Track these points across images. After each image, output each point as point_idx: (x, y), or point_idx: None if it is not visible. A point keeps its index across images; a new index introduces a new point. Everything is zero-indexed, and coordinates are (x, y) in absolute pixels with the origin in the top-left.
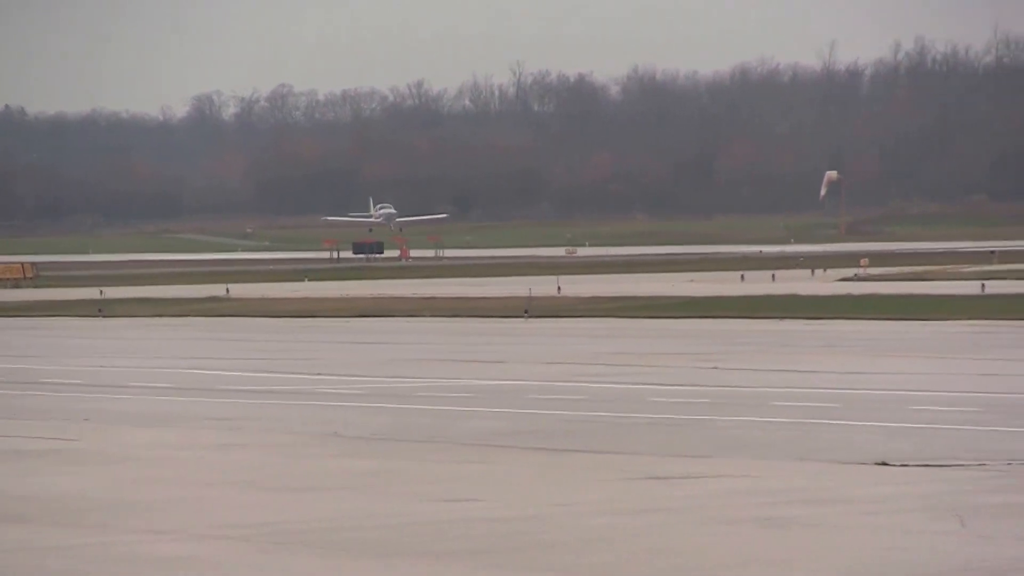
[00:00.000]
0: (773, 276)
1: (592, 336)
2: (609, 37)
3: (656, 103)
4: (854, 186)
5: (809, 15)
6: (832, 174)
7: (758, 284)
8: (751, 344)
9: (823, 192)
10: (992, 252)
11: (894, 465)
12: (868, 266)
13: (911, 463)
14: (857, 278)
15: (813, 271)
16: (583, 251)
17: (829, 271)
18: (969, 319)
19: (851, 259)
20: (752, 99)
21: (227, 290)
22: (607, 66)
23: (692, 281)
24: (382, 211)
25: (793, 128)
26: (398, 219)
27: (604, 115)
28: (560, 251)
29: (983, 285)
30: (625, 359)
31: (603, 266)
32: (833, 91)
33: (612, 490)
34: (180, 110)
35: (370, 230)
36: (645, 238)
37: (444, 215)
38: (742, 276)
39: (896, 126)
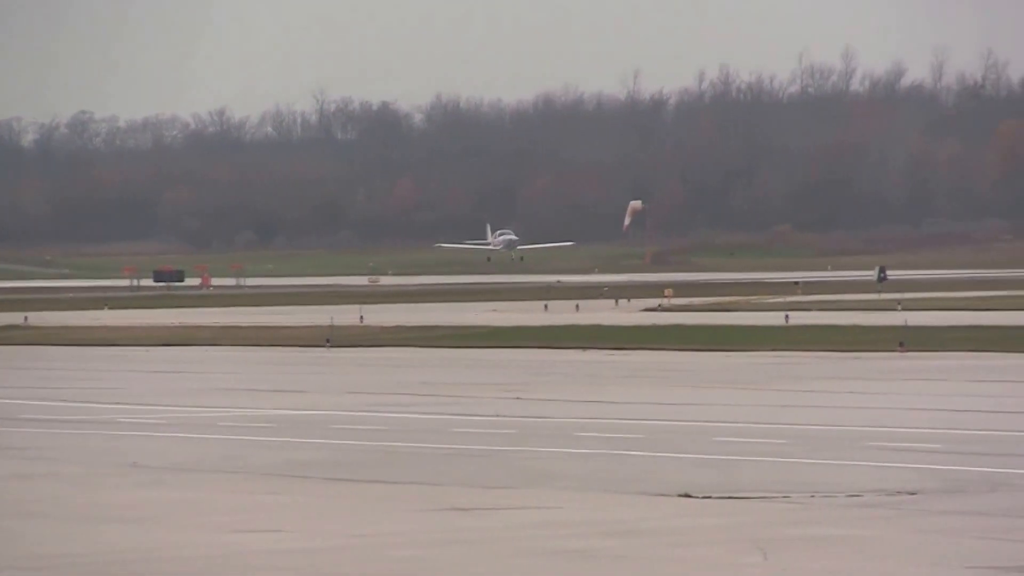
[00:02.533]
0: (577, 306)
1: (395, 366)
2: (413, 64)
3: (460, 131)
4: (659, 216)
5: (613, 44)
6: (636, 204)
7: (562, 314)
8: (555, 375)
9: (627, 222)
10: (796, 283)
11: (697, 497)
12: (672, 296)
13: (714, 495)
14: (661, 308)
15: (617, 301)
16: (386, 280)
17: (633, 301)
18: (773, 350)
19: (656, 289)
20: (556, 128)
21: (25, 318)
22: (411, 94)
23: (495, 310)
24: (502, 237)
25: (597, 157)
26: (520, 246)
27: (408, 143)
28: (363, 280)
29: (787, 316)
30: (428, 389)
31: (406, 295)
32: (637, 120)
33: (415, 522)
34: None
35: (488, 259)
36: (449, 267)
37: (571, 243)
38: (545, 306)
39: (701, 155)
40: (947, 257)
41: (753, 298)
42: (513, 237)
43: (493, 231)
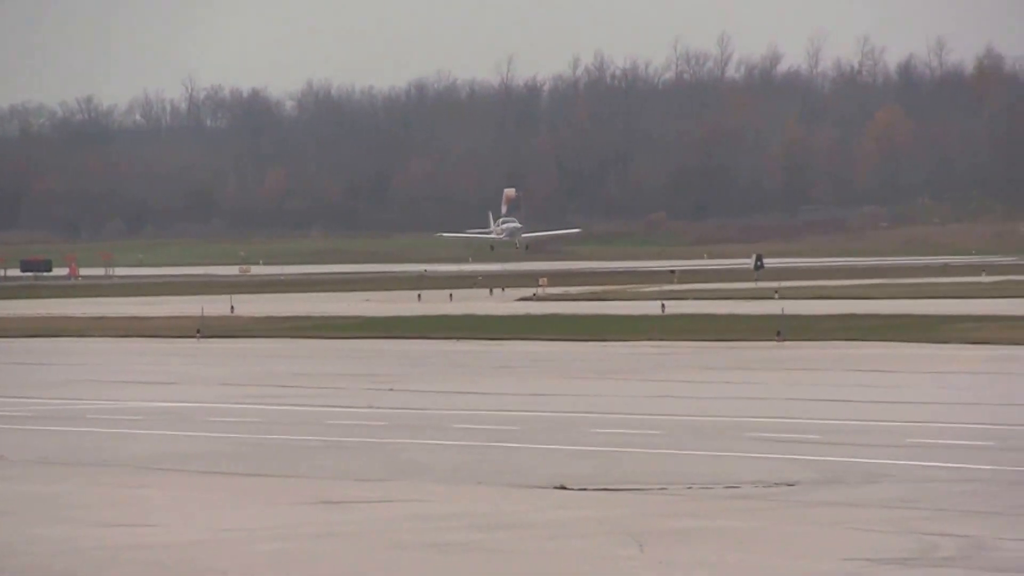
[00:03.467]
0: (451, 296)
1: (267, 357)
2: (284, 51)
3: (332, 119)
4: (534, 204)
5: (487, 30)
6: (511, 192)
7: (436, 304)
8: (428, 365)
9: (503, 210)
10: (672, 271)
11: (573, 489)
12: (547, 285)
13: (590, 487)
14: (536, 298)
15: (492, 291)
16: (257, 270)
17: (508, 290)
18: (649, 340)
19: (531, 278)
20: (430, 115)
21: None
22: (282, 81)
23: (368, 301)
24: (506, 226)
25: (472, 145)
26: (524, 234)
27: (279, 131)
28: (234, 269)
29: (663, 305)
30: (300, 380)
31: (278, 285)
32: (512, 107)
33: (285, 515)
34: None
35: (492, 248)
36: (322, 256)
37: (577, 230)
38: (419, 296)
39: (576, 143)
40: (824, 245)
41: (629, 287)
42: (517, 225)
43: (495, 219)
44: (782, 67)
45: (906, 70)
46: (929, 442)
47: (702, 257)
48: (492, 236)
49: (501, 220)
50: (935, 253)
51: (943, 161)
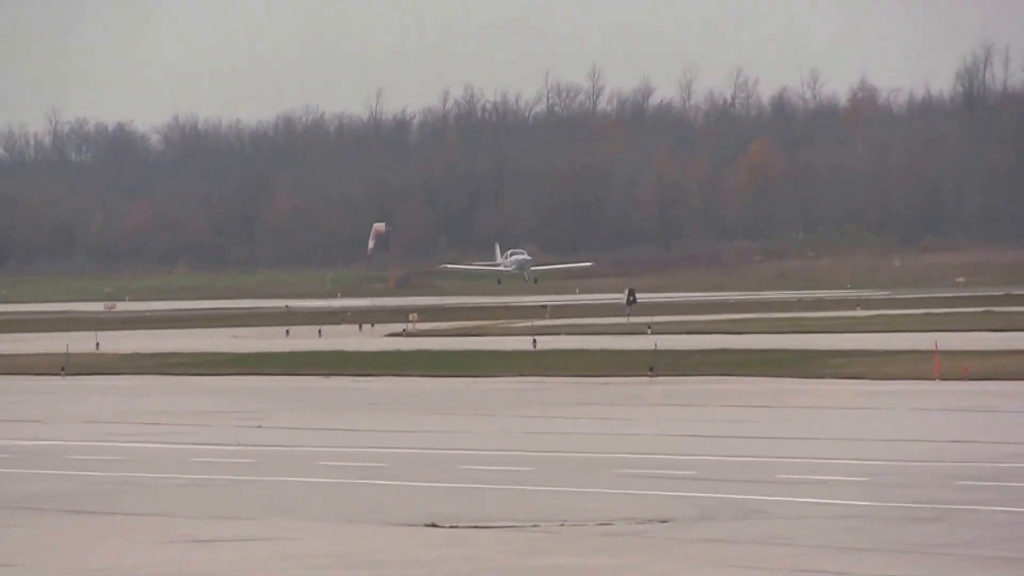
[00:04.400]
0: (320, 332)
1: (133, 394)
2: (150, 84)
3: (198, 153)
4: (403, 239)
5: (355, 63)
6: (380, 226)
7: (305, 340)
8: (298, 402)
9: (371, 245)
10: (544, 306)
11: (444, 527)
12: (418, 321)
13: (461, 524)
14: (406, 333)
15: (361, 326)
16: (123, 306)
17: (378, 326)
18: (521, 375)
19: (400, 314)
20: (298, 149)
21: None
22: (148, 115)
23: (236, 337)
24: (514, 257)
25: (341, 179)
26: (533, 267)
27: (145, 165)
28: (99, 305)
29: (535, 340)
30: (167, 417)
31: (144, 321)
32: (381, 141)
33: (152, 554)
34: None
35: (499, 282)
36: (188, 292)
37: (589, 263)
38: (287, 331)
39: (446, 177)
40: (697, 279)
41: (500, 322)
42: (526, 257)
43: (503, 251)
44: (654, 100)
45: (779, 102)
46: (803, 478)
47: (574, 292)
48: (499, 269)
49: (509, 252)
50: (808, 287)
51: (816, 194)
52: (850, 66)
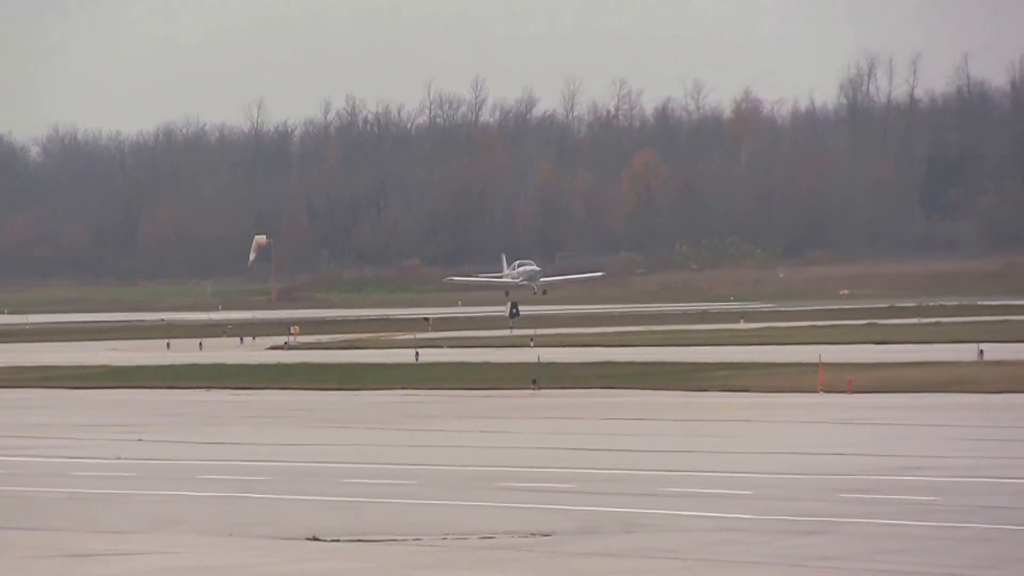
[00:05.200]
0: (201, 344)
1: (11, 407)
2: (29, 95)
3: (78, 165)
4: (285, 251)
5: (236, 74)
6: (261, 238)
7: (186, 353)
8: (178, 415)
9: (253, 257)
10: (427, 319)
11: (326, 540)
12: (299, 333)
13: (343, 538)
14: (288, 346)
15: (242, 339)
16: (1, 319)
17: (259, 339)
18: (403, 388)
19: (282, 327)
20: (178, 160)
21: None
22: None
23: (115, 350)
24: (522, 268)
25: (221, 190)
26: (543, 278)
27: (23, 177)
28: None
29: (417, 353)
30: (45, 431)
31: (22, 334)
32: (262, 152)
33: (29, 569)
34: None
35: (507, 293)
36: (68, 305)
37: (600, 273)
38: (168, 344)
39: (328, 188)
40: (580, 291)
41: (382, 335)
42: (535, 268)
43: (509, 262)
44: (537, 111)
45: (663, 114)
46: (685, 491)
47: (456, 304)
48: (507, 280)
49: (517, 263)
50: (692, 299)
51: (701, 206)
52: (734, 77)
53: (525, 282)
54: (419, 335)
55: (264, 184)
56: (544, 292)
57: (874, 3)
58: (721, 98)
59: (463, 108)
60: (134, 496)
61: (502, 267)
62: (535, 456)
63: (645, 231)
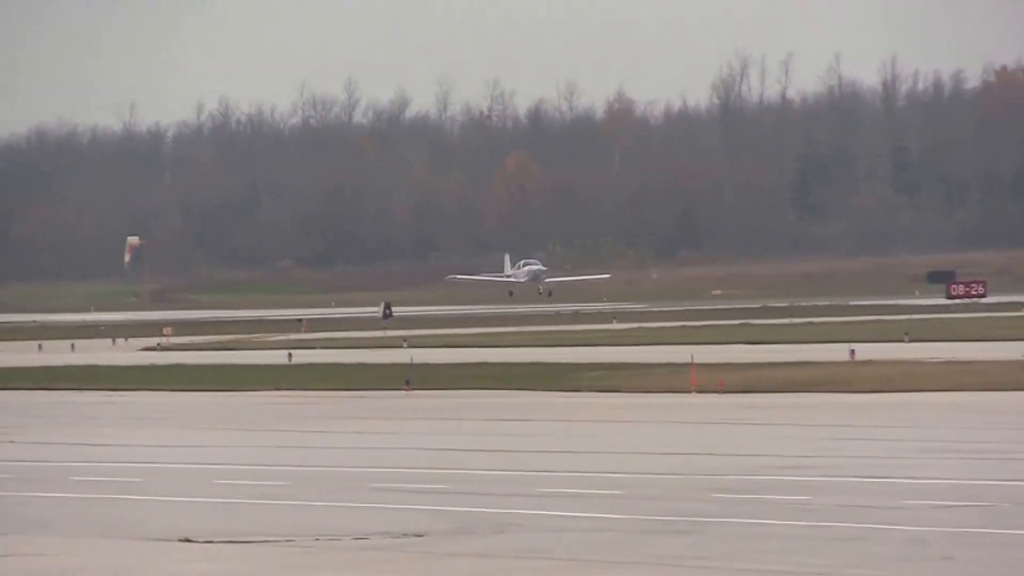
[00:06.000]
0: (73, 346)
1: None
2: None
3: None
4: (159, 252)
5: (108, 75)
6: (134, 240)
7: (57, 354)
8: (49, 416)
9: (127, 258)
10: (300, 320)
11: (198, 541)
12: (172, 335)
13: (216, 539)
14: (161, 347)
15: (115, 340)
16: None
17: (132, 340)
18: (277, 389)
19: (155, 327)
20: (50, 162)
21: None
22: None
23: None
24: (526, 268)
25: (94, 192)
26: (549, 279)
27: None
28: None
29: (290, 354)
30: None
31: None
32: (135, 154)
33: None
34: None
35: (511, 294)
36: None
37: (607, 275)
38: (39, 346)
39: (201, 190)
40: (454, 292)
41: (256, 336)
42: (541, 268)
43: (513, 262)
44: (411, 112)
45: (536, 115)
46: (559, 491)
47: (330, 305)
48: (510, 280)
49: (522, 262)
50: (566, 300)
51: (574, 206)
52: (606, 78)
53: (530, 282)
54: (292, 336)
55: (137, 185)
56: (550, 293)
57: (746, 3)
58: (594, 99)
59: (336, 109)
60: (4, 498)
61: (504, 267)
62: (408, 457)
63: (519, 231)
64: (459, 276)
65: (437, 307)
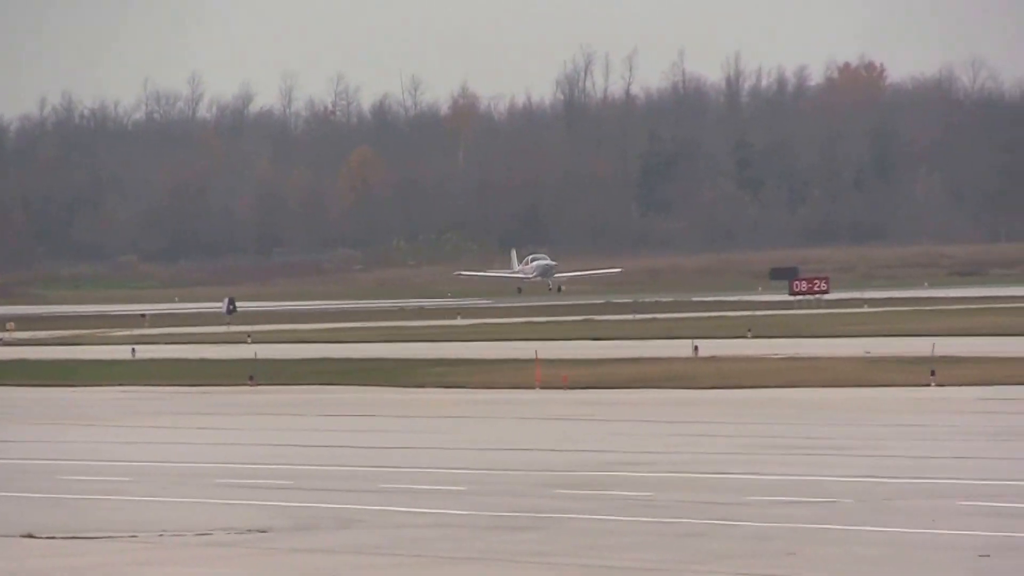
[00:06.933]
0: None
1: None
2: None
3: None
4: (1, 247)
5: None
6: None
7: None
8: None
9: None
10: (143, 315)
11: (41, 537)
12: (15, 330)
13: (59, 535)
14: (3, 343)
15: None
16: None
17: None
18: (120, 384)
19: None
20: None
21: None
22: None
23: None
24: (536, 263)
25: None
26: (559, 274)
27: None
28: None
29: (133, 349)
30: None
31: None
32: None
33: None
34: None
35: (519, 290)
36: None
37: (618, 269)
38: None
39: (44, 184)
40: (298, 288)
41: (99, 331)
42: (550, 263)
43: (520, 257)
44: (255, 107)
45: (380, 110)
46: (402, 487)
47: (173, 301)
48: (519, 276)
49: (531, 257)
50: (410, 296)
51: (418, 203)
52: (451, 73)
53: (539, 277)
54: (136, 331)
55: None
56: (560, 288)
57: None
58: (438, 94)
59: (180, 104)
60: None
61: (512, 263)
62: (251, 453)
63: (363, 227)
64: (465, 272)
65: (282, 302)
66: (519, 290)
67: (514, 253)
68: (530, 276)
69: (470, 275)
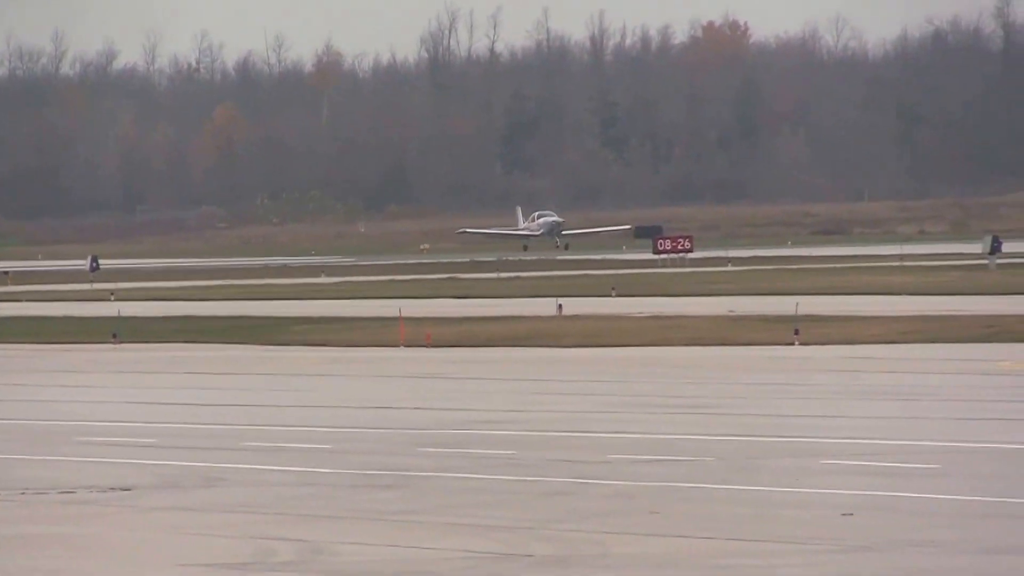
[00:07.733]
0: None
1: None
2: None
3: None
4: None
5: None
6: None
7: None
8: None
9: None
10: (6, 272)
11: None
12: None
13: None
14: None
15: None
16: None
17: None
18: None
19: None
20: None
21: None
22: None
23: None
24: (542, 219)
25: None
26: (565, 231)
27: None
28: None
29: None
30: None
31: None
32: None
33: None
34: None
35: (525, 248)
36: None
37: (628, 226)
38: None
39: None
40: (162, 246)
41: None
42: (557, 220)
43: (525, 215)
44: (118, 64)
45: (244, 68)
46: (266, 445)
47: (36, 258)
48: (524, 233)
49: (537, 214)
50: (274, 253)
51: (282, 161)
52: (315, 31)
53: (546, 235)
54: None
55: None
56: (567, 246)
57: None
58: (302, 52)
59: (43, 60)
60: None
61: (517, 220)
62: (114, 411)
63: (227, 185)
64: (470, 229)
65: (145, 260)
66: (525, 247)
67: (519, 210)
68: (536, 233)
69: (475, 232)
